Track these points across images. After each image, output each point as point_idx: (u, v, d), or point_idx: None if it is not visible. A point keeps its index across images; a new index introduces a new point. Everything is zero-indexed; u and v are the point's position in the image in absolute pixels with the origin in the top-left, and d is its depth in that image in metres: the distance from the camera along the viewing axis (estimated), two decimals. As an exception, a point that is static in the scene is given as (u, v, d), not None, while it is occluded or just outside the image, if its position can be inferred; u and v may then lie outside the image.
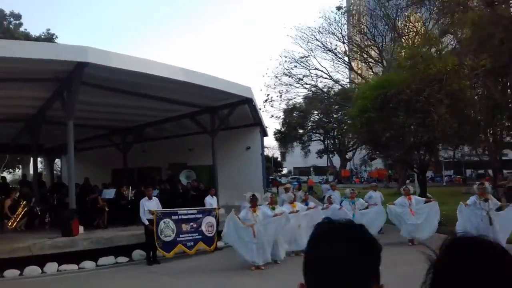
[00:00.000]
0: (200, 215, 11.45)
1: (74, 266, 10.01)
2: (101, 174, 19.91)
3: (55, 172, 26.78)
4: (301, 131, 59.98)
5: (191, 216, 11.23)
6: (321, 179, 63.32)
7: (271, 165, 65.44)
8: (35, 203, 13.73)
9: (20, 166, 44.88)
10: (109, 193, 13.58)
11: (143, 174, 21.40)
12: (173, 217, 10.80)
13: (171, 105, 15.37)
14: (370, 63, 29.89)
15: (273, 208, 10.07)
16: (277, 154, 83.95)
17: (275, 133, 55.70)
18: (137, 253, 10.97)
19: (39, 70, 11.09)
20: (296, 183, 49.23)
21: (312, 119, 57.73)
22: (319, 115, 55.75)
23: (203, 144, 20.12)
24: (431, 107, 13.29)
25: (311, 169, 76.60)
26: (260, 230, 9.36)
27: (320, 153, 65.42)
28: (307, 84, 35.29)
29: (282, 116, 53.86)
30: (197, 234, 11.13)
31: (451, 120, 13.45)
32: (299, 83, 35.08)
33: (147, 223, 10.34)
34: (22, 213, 12.68)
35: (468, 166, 53.06)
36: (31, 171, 33.23)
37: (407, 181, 36.07)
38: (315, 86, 35.50)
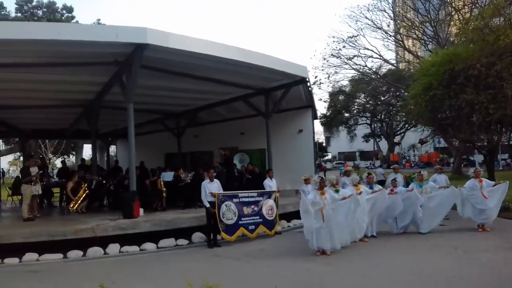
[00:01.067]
0: (261, 198, 11.20)
1: (135, 248, 10.05)
2: (154, 158, 20.16)
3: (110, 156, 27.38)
4: (347, 114, 58.80)
5: (252, 199, 10.99)
6: (367, 164, 62.06)
7: (316, 150, 64.70)
8: (96, 186, 13.96)
9: (74, 153, 46.60)
10: (168, 176, 13.58)
11: (195, 158, 21.50)
12: (235, 200, 10.60)
13: (225, 87, 15.13)
14: (426, 40, 28.39)
15: (337, 191, 9.62)
16: (322, 139, 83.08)
17: (320, 117, 54.67)
18: (197, 236, 10.89)
19: (98, 54, 11.06)
20: (342, 168, 48.45)
21: (358, 102, 56.34)
22: (366, 98, 54.29)
23: (254, 127, 19.88)
24: (504, 82, 12.33)
25: (357, 153, 75.24)
26: (329, 213, 8.96)
27: (366, 137, 64.04)
28: (356, 64, 34.08)
29: (328, 100, 52.96)
30: (258, 217, 10.90)
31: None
32: (347, 63, 33.96)
33: (208, 205, 10.19)
34: (84, 195, 12.88)
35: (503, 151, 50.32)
36: (84, 157, 34.23)
37: (462, 165, 34.75)
38: (365, 66, 34.24)
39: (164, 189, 12.79)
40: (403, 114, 51.04)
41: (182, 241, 10.62)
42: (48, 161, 36.04)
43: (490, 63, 12.76)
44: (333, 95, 52.42)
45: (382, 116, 57.81)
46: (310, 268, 7.75)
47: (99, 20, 40.51)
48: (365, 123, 61.67)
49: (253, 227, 10.74)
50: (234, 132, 20.76)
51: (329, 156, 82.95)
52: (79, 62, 11.54)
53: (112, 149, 29.07)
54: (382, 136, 61.84)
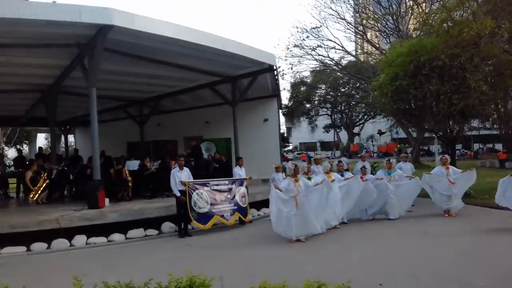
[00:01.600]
0: (233, 186, 11.01)
1: (103, 239, 9.64)
2: (116, 147, 19.46)
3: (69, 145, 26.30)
4: (308, 105, 59.36)
5: (223, 187, 10.79)
6: (328, 154, 63.04)
7: (280, 139, 65.04)
8: (56, 175, 13.30)
9: (27, 142, 44.54)
10: (133, 165, 13.10)
11: (159, 147, 20.99)
12: (206, 188, 10.34)
13: (191, 74, 14.75)
14: (387, 33, 28.91)
15: (309, 178, 9.59)
16: (283, 129, 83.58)
17: (281, 108, 54.88)
18: (167, 226, 10.60)
19: (59, 35, 10.42)
20: (309, 157, 48.97)
21: (319, 93, 56.98)
22: (327, 89, 54.97)
23: (219, 116, 19.62)
24: (467, 73, 12.67)
25: (318, 144, 76.28)
26: (303, 201, 8.89)
27: (327, 128, 64.99)
28: (319, 55, 34.30)
29: (290, 90, 53.18)
30: (232, 204, 10.72)
31: (485, 86, 12.85)
32: (310, 54, 34.11)
33: (178, 194, 9.89)
34: (44, 185, 12.23)
35: (475, 141, 52.58)
36: (37, 148, 32.83)
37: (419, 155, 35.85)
38: (328, 57, 34.51)
39: (130, 178, 12.34)
40: (363, 105, 52.38)
41: (152, 232, 10.30)
42: (1, 151, 34.24)
43: (454, 54, 13.07)
44: (295, 85, 52.74)
45: (342, 107, 58.80)
46: (286, 256, 7.67)
47: None
48: (326, 114, 62.57)
49: (228, 214, 10.55)
50: (199, 121, 20.40)
51: (290, 147, 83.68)
52: (38, 44, 10.89)
53: (69, 138, 27.91)
54: (342, 127, 62.94)
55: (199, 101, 19.96)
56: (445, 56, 12.89)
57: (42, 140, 54.11)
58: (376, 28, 30.93)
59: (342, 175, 10.87)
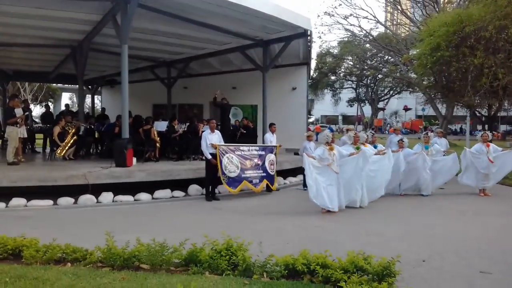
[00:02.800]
0: (263, 152, 10.74)
1: (129, 198, 9.55)
2: (141, 109, 19.30)
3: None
4: (333, 77, 58.17)
5: (254, 153, 10.52)
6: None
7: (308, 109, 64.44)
8: (83, 132, 13.21)
9: (52, 100, 45.00)
10: (161, 126, 12.91)
11: (184, 110, 20.80)
12: (236, 153, 10.09)
13: (221, 36, 14.25)
14: (424, 3, 27.57)
15: (357, 148, 9.16)
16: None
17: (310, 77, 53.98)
18: (194, 188, 10.46)
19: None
20: (329, 130, 48.31)
21: (345, 66, 55.60)
22: (354, 61, 53.54)
23: (246, 82, 19.25)
24: (515, 46, 11.94)
25: (340, 117, 75.26)
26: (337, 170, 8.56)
27: (351, 102, 63.79)
28: (350, 25, 33.16)
29: (315, 60, 51.97)
30: (262, 171, 10.47)
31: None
32: (341, 23, 32.97)
33: (210, 157, 9.66)
34: (71, 141, 12.16)
35: (502, 122, 51.06)
36: (62, 107, 32.96)
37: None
38: (359, 26, 33.31)
39: (158, 139, 12.16)
40: (390, 79, 51.03)
41: (178, 193, 10.17)
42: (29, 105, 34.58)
43: (502, 26, 12.29)
44: (321, 56, 51.50)
45: (368, 81, 57.43)
46: (320, 225, 7.41)
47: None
48: (350, 87, 61.33)
49: (257, 181, 10.31)
50: (225, 86, 19.94)
51: (312, 119, 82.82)
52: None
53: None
54: (366, 101, 61.70)
55: (227, 65, 19.57)
56: (492, 27, 12.12)
57: (66, 99, 54.59)
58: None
59: (375, 147, 10.44)
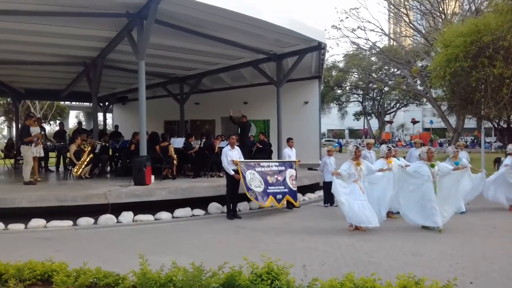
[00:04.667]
0: (283, 168, 10.49)
1: (150, 217, 9.31)
2: (153, 125, 19.15)
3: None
4: (339, 91, 58.09)
5: (274, 168, 10.28)
6: (357, 142, 61.86)
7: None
8: (99, 150, 13.04)
9: (60, 119, 45.09)
10: (178, 142, 12.71)
11: (196, 126, 20.65)
12: (257, 169, 9.86)
13: (235, 50, 14.13)
14: (432, 14, 27.48)
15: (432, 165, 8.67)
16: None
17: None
18: (214, 206, 10.21)
19: (106, 2, 10.04)
20: (336, 145, 48.19)
21: (351, 79, 55.54)
22: (359, 74, 53.47)
23: (258, 97, 19.14)
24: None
25: (346, 131, 75.02)
26: (366, 186, 8.30)
27: (357, 115, 63.56)
28: (358, 37, 33.18)
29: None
30: (283, 187, 10.20)
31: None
32: (347, 36, 32.97)
33: (233, 173, 9.42)
34: (88, 159, 11.98)
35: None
36: (70, 125, 32.81)
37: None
38: (366, 39, 33.35)
39: (175, 155, 11.96)
40: (396, 92, 50.92)
41: (199, 211, 9.92)
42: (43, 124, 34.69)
43: (522, 35, 12.11)
44: (327, 70, 51.50)
45: (374, 94, 57.29)
46: (351, 244, 7.12)
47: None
48: (356, 101, 61.19)
49: (280, 196, 10.05)
50: (237, 101, 19.88)
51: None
52: (84, 12, 10.48)
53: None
54: (373, 115, 61.48)
55: (238, 80, 19.50)
56: (510, 36, 11.94)
57: (73, 118, 54.78)
58: (418, 10, 29.60)
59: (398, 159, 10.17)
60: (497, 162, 14.33)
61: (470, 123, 29.63)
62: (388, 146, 9.68)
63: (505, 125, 14.63)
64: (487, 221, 9.22)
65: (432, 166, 8.23)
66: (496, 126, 15.07)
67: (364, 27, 32.81)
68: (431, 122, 50.97)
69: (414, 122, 57.91)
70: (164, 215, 9.43)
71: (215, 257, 6.03)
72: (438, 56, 14.30)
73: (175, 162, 11.85)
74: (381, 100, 58.08)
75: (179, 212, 9.64)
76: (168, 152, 11.59)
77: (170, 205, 9.81)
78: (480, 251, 6.71)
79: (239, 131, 13.79)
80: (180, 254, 6.34)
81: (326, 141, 68.22)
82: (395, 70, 44.08)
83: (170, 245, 7.18)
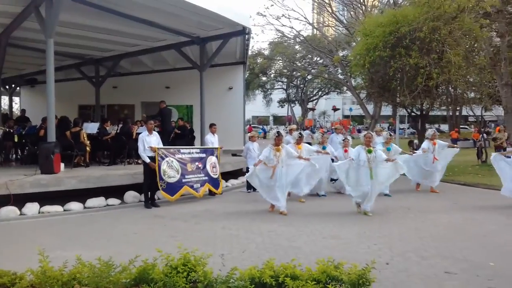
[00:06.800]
0: (204, 155, 10.17)
1: (58, 208, 8.60)
2: (66, 110, 17.88)
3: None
4: (264, 78, 58.61)
5: (195, 155, 9.93)
6: (283, 128, 62.90)
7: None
8: (3, 136, 11.82)
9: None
10: (92, 128, 11.86)
11: (114, 111, 19.60)
12: (177, 156, 9.44)
13: (156, 32, 13.49)
14: (353, 6, 28.35)
15: (369, 151, 8.75)
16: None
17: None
18: (130, 195, 9.69)
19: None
20: (260, 131, 48.64)
21: (275, 67, 56.22)
22: (284, 62, 54.25)
23: (181, 82, 18.61)
24: (447, 47, 12.38)
25: (271, 118, 76.08)
26: (282, 172, 8.29)
27: (281, 102, 64.61)
28: (282, 25, 33.44)
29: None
30: (203, 175, 9.89)
31: (461, 62, 12.65)
32: (272, 23, 33.14)
33: (148, 160, 8.92)
34: (-13, 147, 10.82)
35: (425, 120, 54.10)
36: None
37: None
38: (291, 27, 33.74)
39: (88, 142, 11.15)
40: (319, 80, 52.43)
41: (114, 201, 9.34)
42: None
43: (435, 27, 12.71)
44: (252, 57, 51.62)
45: (298, 81, 58.52)
46: (273, 230, 7.01)
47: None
48: (281, 88, 62.16)
49: (198, 185, 9.73)
50: (158, 86, 19.25)
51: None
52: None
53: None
54: (296, 102, 62.84)
55: (160, 64, 18.79)
56: (426, 28, 12.50)
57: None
58: (341, 0, 30.43)
59: (323, 148, 10.44)
60: (411, 144, 15.31)
61: (386, 110, 31.18)
62: (299, 133, 9.89)
63: (418, 112, 15.41)
64: (401, 202, 9.63)
65: (370, 151, 8.40)
66: (410, 113, 15.86)
67: (289, 15, 33.07)
68: (351, 109, 53.16)
69: (335, 109, 60.06)
70: (74, 205, 8.74)
71: (129, 250, 5.61)
72: (358, 45, 14.68)
73: (88, 149, 11.05)
74: (304, 88, 59.53)
75: (91, 202, 9.00)
76: (80, 138, 10.77)
77: (82, 195, 9.14)
78: (395, 232, 6.92)
79: (159, 118, 13.19)
80: (91, 248, 5.85)
81: (252, 127, 68.80)
82: (318, 59, 45.31)
83: (80, 238, 6.62)
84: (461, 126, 42.26)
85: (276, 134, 8.56)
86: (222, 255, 4.54)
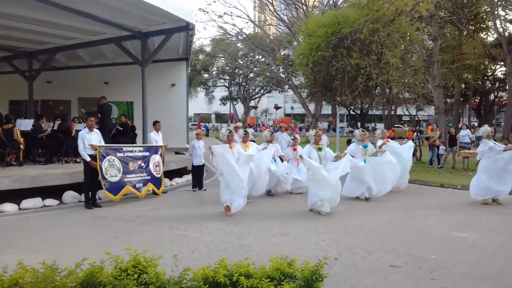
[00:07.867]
0: (147, 153, 9.87)
1: (-12, 210, 8.01)
2: (-5, 106, 16.81)
3: None
4: (206, 75, 58.16)
5: (138, 154, 9.61)
6: (225, 126, 62.72)
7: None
8: None
9: None
10: (26, 124, 11.14)
11: (49, 107, 18.56)
12: (119, 154, 9.09)
13: (94, 25, 12.83)
14: (295, 5, 28.79)
15: (320, 148, 8.79)
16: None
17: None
18: (70, 195, 9.22)
19: None
20: (203, 129, 48.21)
21: (218, 64, 55.97)
22: (226, 60, 54.15)
23: (121, 77, 18.00)
24: (386, 49, 12.90)
25: (213, 116, 75.76)
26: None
27: (224, 100, 64.46)
28: (225, 22, 33.33)
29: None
30: (146, 174, 9.60)
31: (399, 63, 13.24)
32: (214, 20, 32.98)
33: (89, 159, 8.52)
34: None
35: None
36: None
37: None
38: (234, 25, 33.72)
39: (22, 139, 10.46)
40: (260, 79, 52.84)
41: (51, 202, 8.85)
42: None
43: (375, 29, 13.19)
44: (194, 54, 51.02)
45: (240, 79, 58.65)
46: (221, 228, 6.95)
47: None
48: (223, 86, 61.99)
49: (141, 185, 9.43)
50: (96, 81, 18.45)
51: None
52: None
53: None
54: (239, 100, 62.96)
55: (99, 58, 18.01)
56: (366, 30, 12.94)
57: None
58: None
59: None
60: (349, 143, 15.76)
61: (326, 109, 32.04)
62: (245, 131, 10.00)
63: (358, 111, 15.93)
64: (344, 199, 9.87)
65: (320, 149, 8.51)
66: (350, 112, 16.38)
67: (231, 13, 33.07)
68: (292, 108, 54.05)
69: (276, 107, 60.84)
70: (8, 207, 8.21)
71: (71, 253, 5.37)
72: (301, 45, 14.93)
73: (21, 146, 10.36)
74: (247, 86, 59.76)
75: (27, 203, 8.49)
76: (13, 135, 10.08)
77: (17, 196, 8.57)
78: (341, 227, 7.10)
79: (98, 114, 12.65)
80: (29, 252, 5.52)
81: (192, 125, 68.02)
82: (260, 57, 45.68)
83: (16, 241, 6.21)
84: (395, 125, 44.33)
85: (229, 131, 8.45)
86: (175, 255, 4.42)
